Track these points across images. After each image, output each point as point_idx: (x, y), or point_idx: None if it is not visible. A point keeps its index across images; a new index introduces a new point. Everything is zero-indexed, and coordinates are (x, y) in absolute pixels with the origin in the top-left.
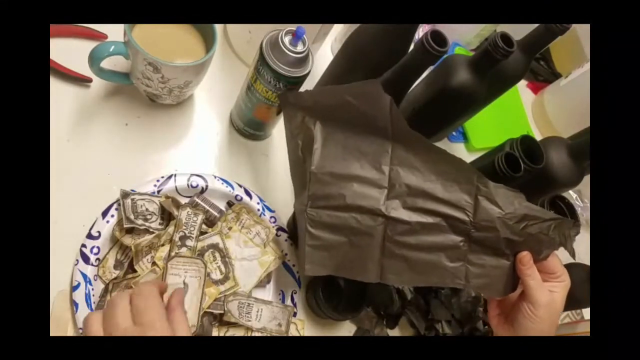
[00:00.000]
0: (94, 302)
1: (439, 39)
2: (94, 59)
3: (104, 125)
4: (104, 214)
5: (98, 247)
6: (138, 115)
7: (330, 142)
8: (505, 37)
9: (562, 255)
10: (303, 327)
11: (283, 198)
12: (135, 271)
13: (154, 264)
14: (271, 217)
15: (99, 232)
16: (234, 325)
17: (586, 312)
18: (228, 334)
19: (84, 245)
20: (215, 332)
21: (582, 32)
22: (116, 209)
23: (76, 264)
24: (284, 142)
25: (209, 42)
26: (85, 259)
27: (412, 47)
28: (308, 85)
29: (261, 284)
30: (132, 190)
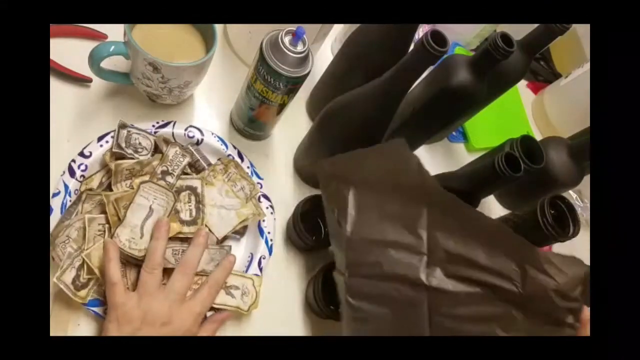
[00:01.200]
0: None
1: (439, 39)
2: (94, 59)
3: (104, 125)
4: (100, 138)
5: (86, 165)
6: (138, 115)
7: (364, 207)
8: (505, 37)
9: (562, 249)
10: (260, 284)
11: (283, 198)
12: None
13: (131, 189)
14: (258, 183)
15: (90, 152)
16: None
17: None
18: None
19: (73, 160)
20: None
21: (582, 32)
22: (112, 137)
23: (62, 175)
24: (284, 142)
25: (209, 42)
26: (72, 172)
27: (412, 47)
28: (308, 85)
29: (235, 235)
30: (131, 125)
